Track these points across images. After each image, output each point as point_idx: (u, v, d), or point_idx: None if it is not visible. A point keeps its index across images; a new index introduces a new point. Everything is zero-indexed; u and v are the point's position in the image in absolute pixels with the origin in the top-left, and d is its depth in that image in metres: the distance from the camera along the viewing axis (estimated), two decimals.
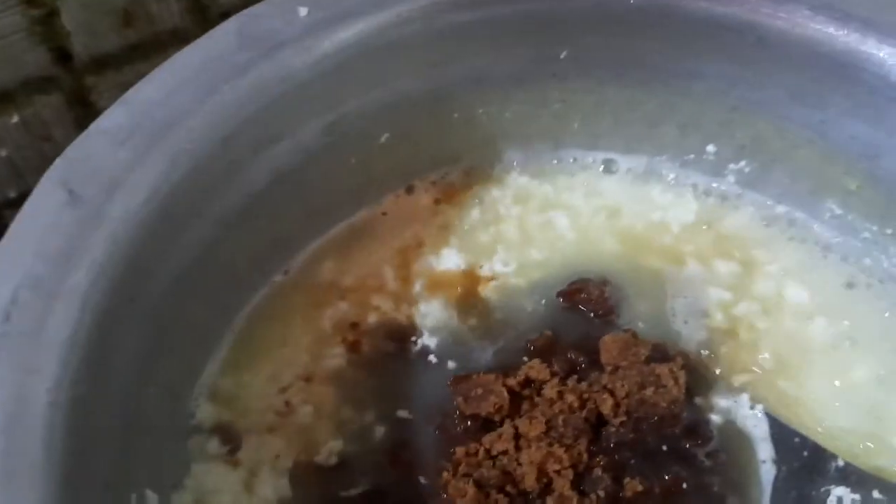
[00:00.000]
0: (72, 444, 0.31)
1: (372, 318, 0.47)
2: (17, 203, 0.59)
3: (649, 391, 0.41)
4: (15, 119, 0.54)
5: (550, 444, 0.40)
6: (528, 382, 0.43)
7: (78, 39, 0.52)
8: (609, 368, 0.42)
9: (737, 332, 0.47)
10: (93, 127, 0.37)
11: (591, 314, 0.46)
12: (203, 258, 0.41)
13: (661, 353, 0.43)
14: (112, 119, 0.37)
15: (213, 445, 0.42)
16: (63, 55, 0.53)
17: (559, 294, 0.47)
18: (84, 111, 0.57)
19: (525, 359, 0.44)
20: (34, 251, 0.33)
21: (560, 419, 0.41)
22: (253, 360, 0.45)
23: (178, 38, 0.56)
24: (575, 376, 0.43)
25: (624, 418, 0.41)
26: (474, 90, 0.48)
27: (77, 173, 0.36)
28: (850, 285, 0.48)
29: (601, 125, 0.51)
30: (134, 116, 0.38)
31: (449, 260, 0.49)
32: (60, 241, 0.34)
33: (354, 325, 0.47)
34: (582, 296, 0.46)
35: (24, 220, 0.34)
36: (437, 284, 0.49)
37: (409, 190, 0.52)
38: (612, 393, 0.42)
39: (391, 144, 0.48)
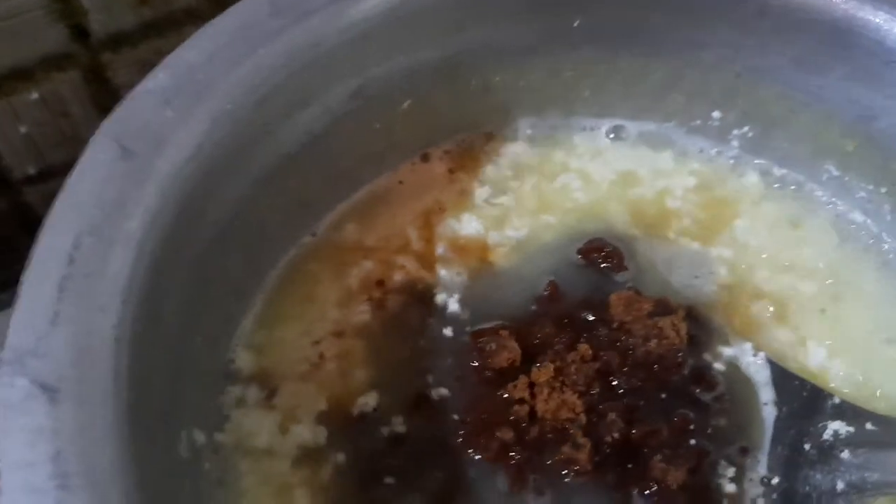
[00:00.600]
0: (134, 377, 0.34)
1: (397, 277, 0.50)
2: (37, 180, 0.61)
3: (653, 343, 0.44)
4: (34, 96, 0.56)
5: (563, 392, 0.43)
6: (540, 337, 0.46)
7: (95, 17, 0.54)
8: (615, 324, 0.45)
9: (740, 286, 0.49)
10: (139, 88, 0.39)
11: (606, 266, 0.49)
12: (239, 215, 0.43)
13: (663, 308, 0.46)
14: (156, 81, 0.40)
15: (251, 392, 0.45)
16: (80, 32, 0.55)
17: (579, 251, 0.49)
18: (101, 88, 0.58)
19: (534, 307, 0.47)
20: (92, 201, 0.36)
21: (572, 368, 0.44)
22: (286, 315, 0.48)
23: (193, 17, 0.58)
24: (584, 334, 0.46)
25: (631, 368, 0.44)
26: (491, 59, 0.50)
27: (128, 130, 0.38)
28: (844, 241, 0.51)
29: (612, 93, 0.53)
30: (177, 78, 0.40)
31: (469, 224, 0.52)
32: (115, 192, 0.36)
33: (380, 283, 0.49)
34: (601, 253, 0.49)
35: (80, 173, 0.36)
36: (457, 246, 0.51)
37: (425, 158, 0.54)
38: (618, 346, 0.45)
39: (412, 111, 0.50)
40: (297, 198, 0.48)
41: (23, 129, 0.57)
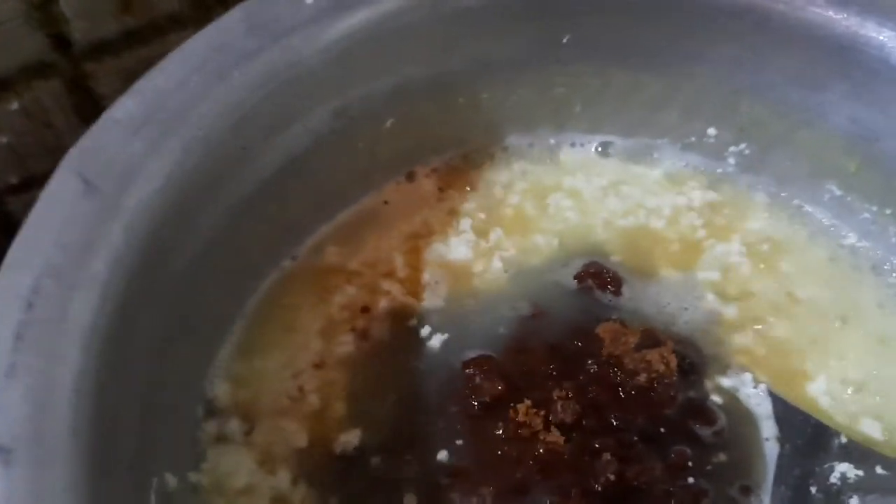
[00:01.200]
0: (97, 429, 0.32)
1: (382, 304, 0.48)
2: (19, 189, 0.60)
3: (643, 377, 0.43)
4: (15, 106, 0.54)
5: (549, 432, 0.42)
6: (527, 369, 0.44)
7: (76, 25, 0.52)
8: (604, 357, 0.44)
9: (735, 314, 0.47)
10: (105, 116, 0.37)
11: (602, 291, 0.47)
12: (216, 244, 0.41)
13: (650, 339, 0.44)
14: (124, 109, 0.38)
15: (229, 427, 0.43)
16: (62, 41, 0.53)
17: (575, 276, 0.48)
18: (83, 97, 0.57)
19: (521, 335, 0.45)
20: (53, 241, 0.34)
21: (559, 405, 0.42)
22: (265, 346, 0.46)
23: (177, 24, 0.56)
24: (572, 366, 0.44)
25: (622, 404, 0.42)
26: (479, 75, 0.48)
27: (92, 163, 0.36)
28: (845, 265, 0.49)
29: (603, 109, 0.52)
30: (146, 105, 0.38)
31: (457, 248, 0.50)
32: (78, 232, 0.34)
33: (364, 311, 0.48)
34: (599, 277, 0.47)
35: (41, 211, 0.35)
36: (444, 271, 0.49)
37: (411, 176, 0.52)
38: (608, 380, 0.43)
39: (397, 129, 0.48)
40: (277, 222, 0.46)
41: (4, 140, 0.55)
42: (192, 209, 0.39)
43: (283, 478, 0.42)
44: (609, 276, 0.48)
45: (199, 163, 0.39)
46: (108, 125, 0.37)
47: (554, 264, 0.49)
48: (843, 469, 0.41)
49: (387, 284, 0.49)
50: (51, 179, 0.36)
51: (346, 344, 0.46)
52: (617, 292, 0.47)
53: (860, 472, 0.40)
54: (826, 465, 0.41)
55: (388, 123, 0.48)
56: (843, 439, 0.42)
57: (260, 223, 0.45)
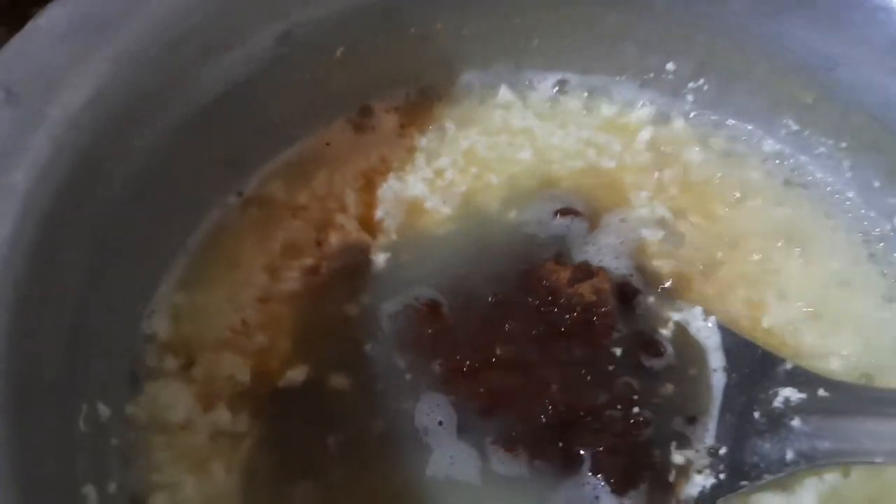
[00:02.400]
0: (17, 347, 0.30)
1: (332, 239, 0.46)
2: None
3: (577, 309, 0.42)
4: None
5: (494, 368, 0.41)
6: (472, 308, 0.43)
7: None
8: (544, 296, 0.43)
9: (688, 248, 0.47)
10: (31, 24, 0.35)
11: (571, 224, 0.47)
12: (154, 170, 0.40)
13: (583, 273, 0.44)
14: (51, 17, 0.36)
15: (168, 361, 0.41)
16: None
17: (557, 212, 0.47)
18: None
19: (471, 273, 0.45)
20: None
21: (501, 343, 0.42)
22: (208, 281, 0.44)
23: None
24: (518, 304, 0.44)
25: (565, 339, 0.42)
26: (431, 3, 0.47)
27: (15, 72, 0.34)
28: (807, 200, 0.49)
29: (561, 44, 0.50)
30: (73, 15, 0.36)
31: (414, 184, 0.49)
32: None
33: (316, 245, 0.46)
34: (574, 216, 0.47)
35: None
36: (399, 206, 0.48)
37: (367, 112, 0.51)
38: (548, 318, 0.43)
39: (348, 60, 0.47)
40: (221, 154, 0.45)
41: None
42: (125, 128, 0.37)
43: (223, 413, 0.41)
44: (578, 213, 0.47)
45: (132, 78, 0.37)
46: (33, 33, 0.35)
47: (506, 203, 0.48)
48: (787, 393, 0.41)
49: (339, 219, 0.47)
50: None
51: (292, 280, 0.45)
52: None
53: (803, 396, 0.40)
54: (771, 392, 0.41)
55: (339, 53, 0.46)
56: (789, 366, 0.42)
57: (202, 153, 0.43)
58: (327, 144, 0.50)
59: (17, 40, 0.35)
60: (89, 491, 0.34)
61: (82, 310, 0.36)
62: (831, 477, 0.40)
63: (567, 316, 0.42)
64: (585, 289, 0.42)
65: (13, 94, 0.34)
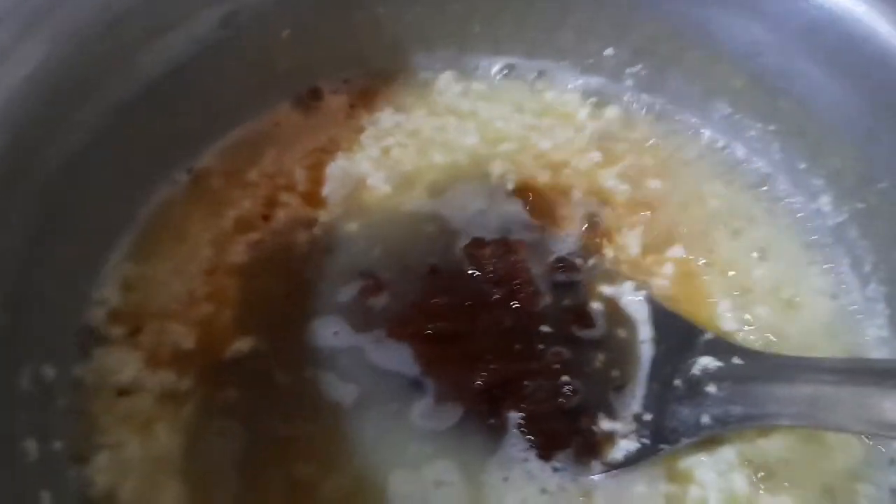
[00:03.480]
0: None
1: (279, 215, 0.48)
2: None
3: (502, 283, 0.45)
4: None
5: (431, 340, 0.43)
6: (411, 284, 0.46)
7: None
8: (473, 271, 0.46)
9: (625, 223, 0.49)
10: None
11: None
12: (97, 145, 0.42)
13: (502, 248, 0.46)
14: None
15: (115, 328, 0.43)
16: None
17: (516, 191, 0.49)
18: None
19: (411, 252, 0.47)
20: None
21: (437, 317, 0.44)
22: (156, 253, 0.46)
23: None
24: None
25: (495, 312, 0.44)
26: None
27: None
28: (742, 181, 0.50)
29: (503, 29, 0.52)
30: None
31: (360, 162, 0.50)
32: None
33: (263, 220, 0.48)
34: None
35: None
36: (346, 185, 0.50)
37: (317, 94, 0.52)
38: (479, 291, 0.45)
39: (294, 42, 0.49)
40: (167, 133, 0.46)
41: None
42: (64, 105, 0.39)
43: (168, 376, 0.43)
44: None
45: (71, 57, 0.39)
46: None
47: (449, 181, 0.50)
48: (705, 362, 0.43)
49: (285, 196, 0.49)
50: None
51: (238, 254, 0.47)
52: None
53: (720, 363, 0.42)
54: (690, 360, 0.43)
55: (284, 35, 0.48)
56: (709, 336, 0.44)
57: (147, 132, 0.45)
58: (276, 125, 0.51)
59: None
60: (30, 444, 0.36)
61: (25, 274, 0.38)
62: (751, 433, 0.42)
63: (494, 289, 0.44)
64: (507, 263, 0.44)
65: None
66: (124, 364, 0.42)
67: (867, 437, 0.42)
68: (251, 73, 0.48)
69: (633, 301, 0.46)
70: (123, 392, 0.42)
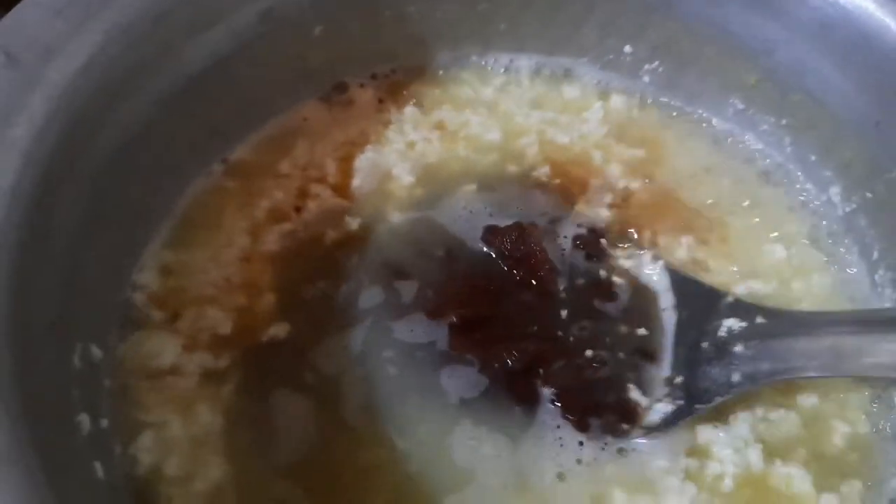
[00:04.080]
0: (16, 283, 0.33)
1: (311, 206, 0.50)
2: None
3: (522, 263, 0.46)
4: None
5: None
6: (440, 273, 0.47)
7: None
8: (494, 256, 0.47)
9: (640, 212, 0.51)
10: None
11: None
12: (142, 136, 0.43)
13: (518, 231, 0.47)
14: None
15: (154, 314, 0.45)
16: None
17: (534, 182, 0.51)
18: None
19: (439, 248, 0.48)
20: None
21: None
22: (193, 242, 0.48)
23: None
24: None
25: (520, 289, 0.46)
26: None
27: (14, 38, 0.37)
28: (756, 173, 0.53)
29: (527, 28, 0.54)
30: None
31: (387, 156, 0.52)
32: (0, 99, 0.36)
33: (295, 211, 0.50)
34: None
35: None
36: (375, 177, 0.51)
37: (344, 88, 0.54)
38: (504, 275, 0.47)
39: (326, 38, 0.50)
40: (205, 124, 0.48)
41: None
42: (116, 93, 0.40)
43: (209, 359, 0.44)
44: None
45: (122, 49, 0.40)
46: (31, 6, 0.38)
47: (471, 174, 0.52)
48: (730, 323, 0.45)
49: (317, 188, 0.51)
50: None
51: (272, 243, 0.48)
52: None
53: (744, 324, 0.44)
54: (715, 323, 0.45)
55: (317, 31, 0.50)
56: (731, 299, 0.46)
57: (187, 123, 0.46)
58: (305, 119, 0.53)
59: (17, 12, 0.38)
60: (83, 419, 0.37)
61: (76, 259, 0.39)
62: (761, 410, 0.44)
63: (515, 271, 0.46)
64: (525, 245, 0.46)
65: (12, 58, 0.37)
66: (164, 348, 0.44)
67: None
68: (285, 68, 0.50)
69: (652, 272, 0.48)
70: (164, 374, 0.43)
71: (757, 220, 0.51)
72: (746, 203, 0.52)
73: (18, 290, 0.34)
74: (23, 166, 0.35)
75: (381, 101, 0.54)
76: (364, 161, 0.52)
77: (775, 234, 0.51)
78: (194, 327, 0.45)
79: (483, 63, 0.56)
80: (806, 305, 0.48)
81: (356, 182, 0.51)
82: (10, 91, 0.36)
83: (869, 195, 0.49)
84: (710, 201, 0.51)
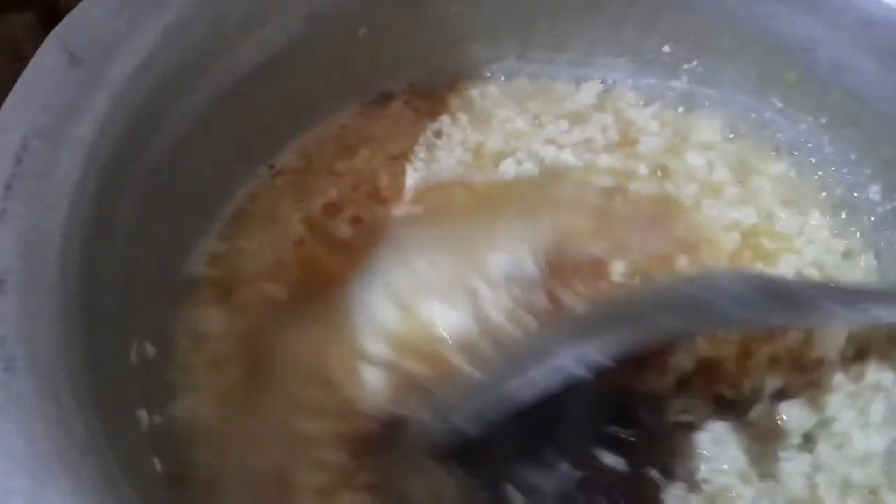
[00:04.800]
0: (82, 279, 0.34)
1: (355, 210, 0.50)
2: None
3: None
4: None
5: None
6: None
7: None
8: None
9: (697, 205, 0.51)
10: (88, 0, 0.39)
11: None
12: (196, 135, 0.43)
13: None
14: None
15: (206, 293, 0.45)
16: None
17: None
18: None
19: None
20: (41, 105, 0.35)
21: None
22: (248, 233, 0.48)
23: None
24: None
25: None
26: None
27: (77, 38, 0.38)
28: (797, 173, 0.53)
29: (567, 27, 0.54)
30: None
31: (433, 163, 0.52)
32: (64, 97, 0.36)
33: (340, 212, 0.50)
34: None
35: (28, 79, 0.36)
36: (421, 183, 0.51)
37: (389, 95, 0.54)
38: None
39: (369, 39, 0.51)
40: (252, 126, 0.48)
41: None
42: (173, 91, 0.41)
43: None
44: None
45: (180, 48, 0.41)
46: (91, 5, 0.39)
47: (525, 185, 0.52)
48: None
49: (361, 194, 0.51)
50: (37, 53, 0.37)
51: (332, 232, 0.48)
52: None
53: None
54: None
55: (362, 32, 0.50)
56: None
57: (235, 125, 0.47)
58: (342, 127, 0.53)
59: (77, 13, 0.39)
60: (142, 415, 0.38)
61: (134, 254, 0.39)
62: None
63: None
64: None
65: (76, 58, 0.37)
66: (215, 321, 0.44)
67: None
68: (329, 71, 0.50)
69: None
70: (214, 339, 0.44)
71: (795, 215, 0.51)
72: (787, 199, 0.52)
73: (87, 286, 0.34)
74: (87, 163, 0.36)
75: (417, 109, 0.54)
76: (410, 167, 0.52)
77: (812, 233, 0.51)
78: (247, 301, 0.45)
79: (521, 64, 0.56)
80: None
81: (399, 189, 0.51)
82: (75, 90, 0.36)
83: None
84: (752, 196, 0.52)
